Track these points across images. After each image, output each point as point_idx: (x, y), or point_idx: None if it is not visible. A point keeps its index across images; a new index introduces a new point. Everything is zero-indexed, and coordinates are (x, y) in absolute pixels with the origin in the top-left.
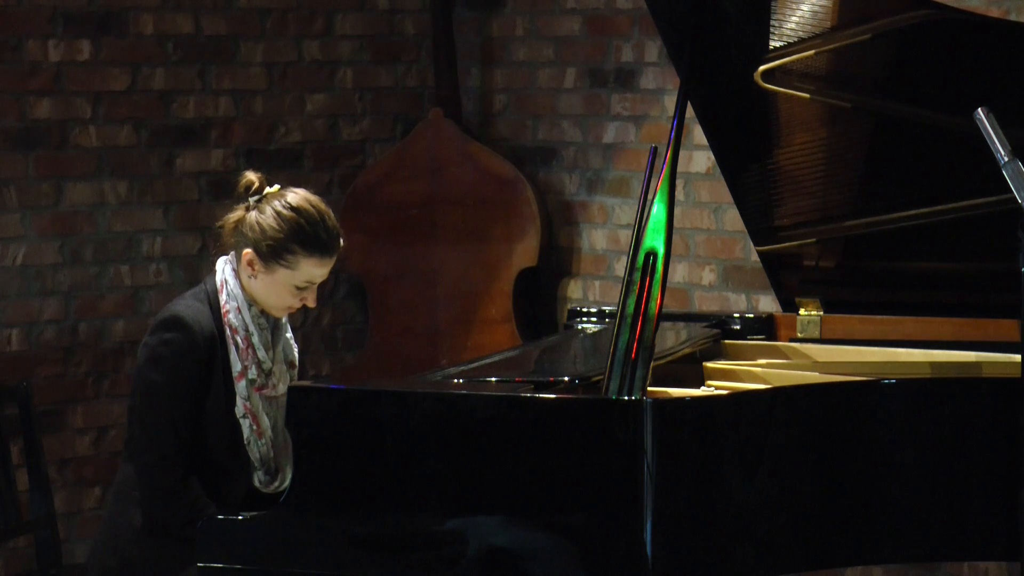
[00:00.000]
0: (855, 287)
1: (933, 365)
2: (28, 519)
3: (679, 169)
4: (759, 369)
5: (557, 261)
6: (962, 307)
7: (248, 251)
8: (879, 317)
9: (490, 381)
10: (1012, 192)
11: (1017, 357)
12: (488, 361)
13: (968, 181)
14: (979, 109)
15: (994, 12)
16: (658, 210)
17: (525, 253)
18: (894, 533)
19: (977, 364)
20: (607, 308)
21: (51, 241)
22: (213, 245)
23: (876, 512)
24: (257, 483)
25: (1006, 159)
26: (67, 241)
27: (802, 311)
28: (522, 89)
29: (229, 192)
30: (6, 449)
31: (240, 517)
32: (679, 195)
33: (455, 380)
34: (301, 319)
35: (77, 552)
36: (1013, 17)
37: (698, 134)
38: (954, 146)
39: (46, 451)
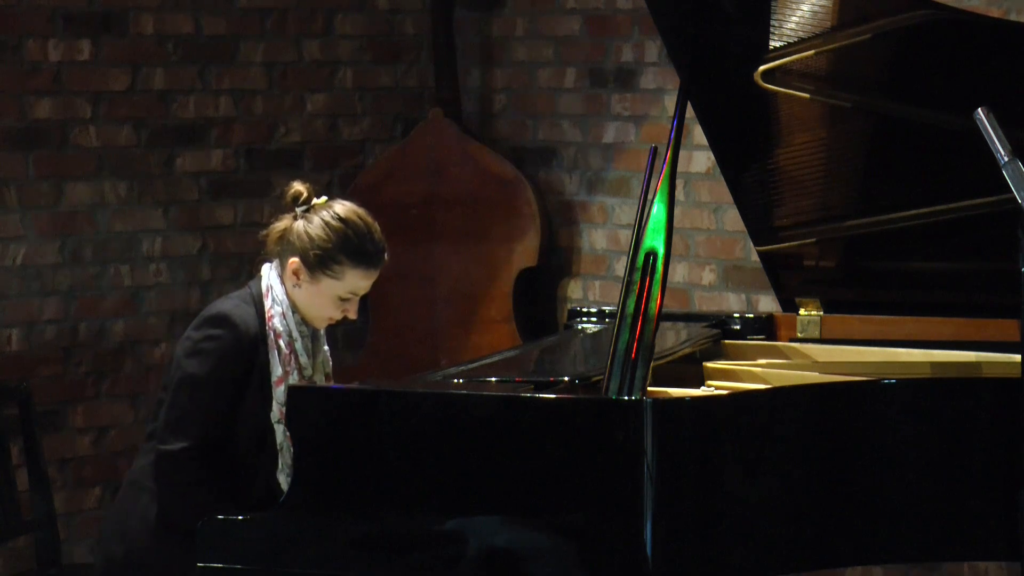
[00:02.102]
0: (855, 287)
1: (933, 365)
2: (28, 519)
3: (679, 169)
4: (759, 369)
5: (557, 261)
6: (962, 307)
7: (295, 260)
8: (879, 317)
9: (490, 381)
10: (1012, 192)
11: (1017, 357)
12: (488, 361)
13: (968, 181)
14: (979, 109)
15: (994, 12)
16: (658, 210)
17: (525, 253)
18: (894, 533)
19: (977, 364)
20: (607, 308)
21: (51, 241)
22: (214, 245)
23: (876, 512)
24: (286, 487)
25: (1006, 159)
26: (67, 241)
27: (802, 311)
28: (522, 89)
29: (229, 192)
30: (6, 449)
31: (240, 517)
32: (679, 195)
33: (455, 380)
34: None
35: (77, 552)
36: (1013, 17)
37: (698, 134)
38: (954, 146)
39: (46, 451)
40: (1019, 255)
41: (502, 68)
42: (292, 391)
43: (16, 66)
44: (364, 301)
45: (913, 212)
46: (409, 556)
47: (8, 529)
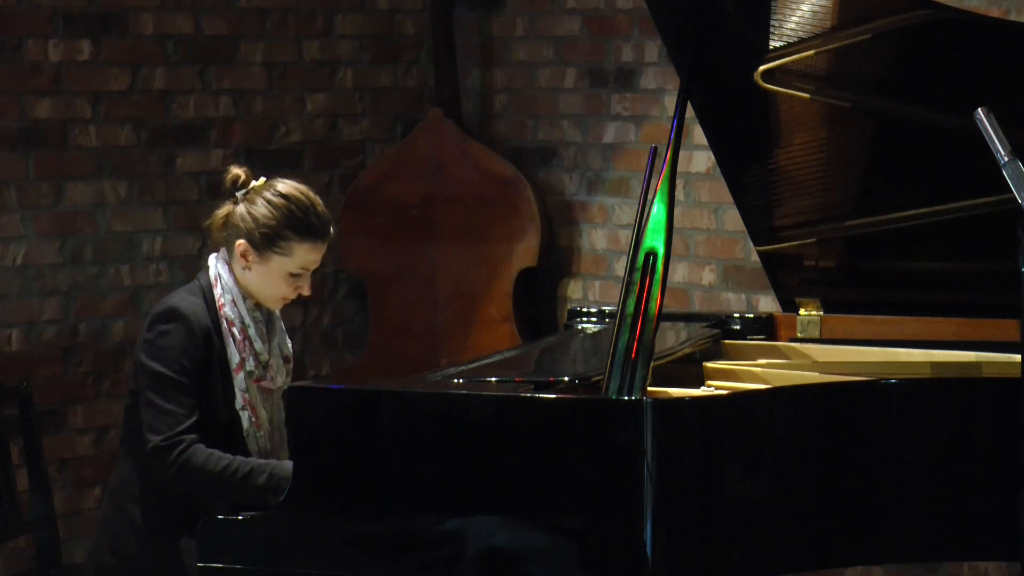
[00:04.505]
0: (855, 287)
1: (933, 365)
2: (28, 519)
3: (679, 169)
4: (759, 369)
5: (557, 261)
6: (962, 307)
7: (241, 242)
8: (879, 317)
9: (490, 381)
10: (1012, 192)
11: (1017, 357)
12: (488, 361)
13: (968, 181)
14: (979, 109)
15: (994, 12)
16: (658, 210)
17: (525, 253)
18: (894, 533)
19: (977, 364)
20: (607, 308)
21: (51, 241)
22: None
23: (876, 512)
24: None
25: (1006, 159)
26: (67, 241)
27: (802, 311)
28: (522, 89)
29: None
30: (6, 449)
31: (240, 517)
32: (679, 195)
33: (455, 380)
34: (301, 319)
35: (77, 552)
36: (1013, 17)
37: (698, 134)
38: (954, 146)
39: (46, 451)
40: (1019, 255)
41: (502, 68)
42: (292, 391)
43: (16, 66)
44: (364, 301)
45: (913, 212)
46: (409, 556)
47: (8, 529)
